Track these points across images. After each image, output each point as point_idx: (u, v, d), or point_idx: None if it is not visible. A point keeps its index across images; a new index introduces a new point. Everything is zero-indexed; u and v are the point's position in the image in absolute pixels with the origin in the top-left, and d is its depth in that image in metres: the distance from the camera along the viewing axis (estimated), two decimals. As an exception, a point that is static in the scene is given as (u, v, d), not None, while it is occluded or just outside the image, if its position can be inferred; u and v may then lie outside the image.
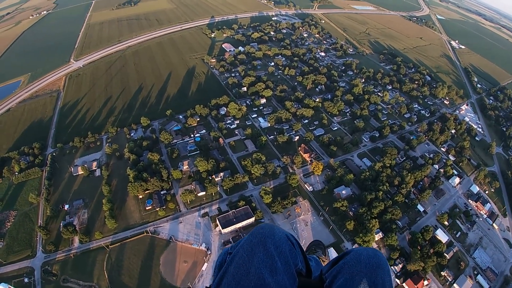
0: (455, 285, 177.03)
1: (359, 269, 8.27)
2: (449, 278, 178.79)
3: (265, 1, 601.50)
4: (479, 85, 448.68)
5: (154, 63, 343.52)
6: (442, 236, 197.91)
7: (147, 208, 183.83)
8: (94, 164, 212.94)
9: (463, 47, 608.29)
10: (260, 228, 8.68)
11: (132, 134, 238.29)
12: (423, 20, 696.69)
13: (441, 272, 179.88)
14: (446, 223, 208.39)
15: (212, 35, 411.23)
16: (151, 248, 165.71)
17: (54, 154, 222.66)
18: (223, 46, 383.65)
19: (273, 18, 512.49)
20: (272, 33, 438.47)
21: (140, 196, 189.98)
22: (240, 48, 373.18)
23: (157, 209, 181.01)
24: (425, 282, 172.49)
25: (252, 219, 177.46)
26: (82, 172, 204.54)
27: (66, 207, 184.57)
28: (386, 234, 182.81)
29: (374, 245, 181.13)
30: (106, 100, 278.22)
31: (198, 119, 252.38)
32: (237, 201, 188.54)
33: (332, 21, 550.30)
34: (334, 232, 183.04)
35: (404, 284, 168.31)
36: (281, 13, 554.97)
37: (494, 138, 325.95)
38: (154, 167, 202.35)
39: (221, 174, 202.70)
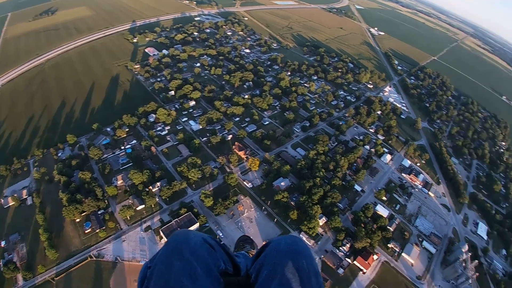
0: (403, 254, 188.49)
1: (280, 258, 8.25)
2: (396, 249, 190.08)
3: (187, 2, 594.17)
4: (400, 67, 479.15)
5: (75, 74, 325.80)
6: (382, 211, 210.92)
7: (86, 231, 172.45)
8: (24, 192, 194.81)
9: (382, 33, 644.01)
10: (175, 236, 8.49)
11: (59, 154, 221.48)
12: (343, 11, 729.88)
13: (388, 245, 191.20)
14: (384, 198, 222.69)
15: (135, 40, 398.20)
16: (98, 273, 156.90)
17: None
18: (146, 50, 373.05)
19: (196, 19, 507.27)
20: (195, 33, 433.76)
21: (78, 220, 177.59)
22: (164, 51, 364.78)
23: (97, 230, 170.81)
24: (375, 257, 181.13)
25: (196, 225, 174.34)
26: (13, 203, 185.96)
27: (3, 243, 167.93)
28: (330, 217, 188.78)
29: (320, 230, 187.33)
30: (28, 120, 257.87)
31: (127, 130, 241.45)
32: (178, 209, 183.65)
33: (255, 18, 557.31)
34: (280, 224, 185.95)
35: (355, 262, 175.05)
36: (204, 12, 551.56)
37: (419, 114, 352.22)
38: (87, 186, 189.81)
39: (158, 184, 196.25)
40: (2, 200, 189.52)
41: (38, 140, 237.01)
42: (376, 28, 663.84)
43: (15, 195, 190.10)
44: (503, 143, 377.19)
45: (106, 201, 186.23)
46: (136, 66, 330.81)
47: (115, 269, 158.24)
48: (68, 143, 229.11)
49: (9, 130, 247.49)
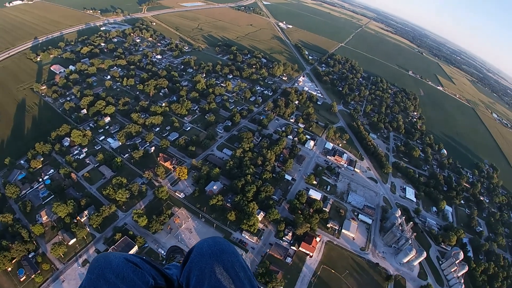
0: (343, 230, 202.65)
1: (205, 261, 8.35)
2: (335, 228, 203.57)
3: (91, 11, 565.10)
4: (310, 57, 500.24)
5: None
6: (315, 194, 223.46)
7: (21, 279, 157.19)
8: None
9: (290, 26, 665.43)
10: (95, 261, 8.12)
11: None
12: (251, 8, 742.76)
13: (327, 225, 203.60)
14: (314, 182, 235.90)
15: (38, 59, 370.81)
16: None
17: None
18: (51, 68, 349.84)
19: (101, 28, 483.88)
20: (102, 44, 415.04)
21: (9, 269, 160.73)
22: (71, 67, 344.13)
23: (32, 276, 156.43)
24: (317, 239, 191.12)
25: (135, 248, 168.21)
26: None
27: None
28: (267, 211, 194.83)
29: (260, 225, 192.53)
30: None
31: (42, 159, 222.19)
32: (112, 235, 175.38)
33: (163, 22, 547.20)
34: (220, 228, 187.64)
35: (301, 248, 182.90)
36: (110, 21, 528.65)
37: (334, 98, 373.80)
38: (10, 230, 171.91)
39: (85, 212, 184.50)
40: None
41: None
42: (284, 22, 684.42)
43: None
44: (415, 113, 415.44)
45: (34, 242, 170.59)
46: (43, 87, 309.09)
47: None
48: None
49: None
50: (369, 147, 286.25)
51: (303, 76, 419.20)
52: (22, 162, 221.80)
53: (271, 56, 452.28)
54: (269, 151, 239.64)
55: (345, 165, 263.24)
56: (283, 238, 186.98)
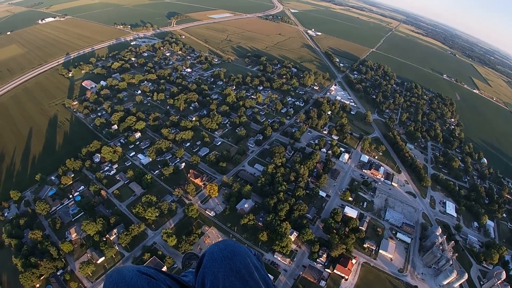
0: (380, 251, 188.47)
1: (217, 266, 8.38)
2: (372, 248, 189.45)
3: (121, 27, 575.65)
4: (341, 64, 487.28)
5: (11, 121, 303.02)
6: (351, 212, 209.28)
7: None
8: None
9: (319, 33, 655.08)
10: (109, 277, 8.14)
11: (5, 214, 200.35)
12: (279, 17, 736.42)
13: (364, 245, 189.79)
14: (350, 198, 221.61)
15: (70, 75, 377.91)
16: None
17: None
18: (83, 84, 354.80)
19: (132, 43, 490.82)
20: (133, 59, 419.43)
21: (37, 285, 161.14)
22: (102, 82, 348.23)
23: None
24: (353, 261, 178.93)
25: (164, 269, 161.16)
26: None
27: None
28: (300, 231, 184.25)
29: (293, 246, 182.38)
30: None
31: (73, 175, 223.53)
32: (141, 255, 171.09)
33: (192, 35, 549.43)
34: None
35: (335, 271, 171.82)
36: (140, 36, 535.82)
37: (368, 107, 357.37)
38: (40, 246, 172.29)
39: (115, 230, 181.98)
40: None
41: None
42: (313, 29, 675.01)
43: None
44: (452, 120, 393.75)
45: (63, 259, 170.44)
46: (74, 103, 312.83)
47: None
48: (12, 200, 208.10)
49: None
50: (406, 159, 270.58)
51: (335, 85, 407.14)
52: (53, 178, 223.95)
53: (302, 65, 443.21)
54: (302, 166, 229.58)
55: (382, 179, 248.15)
56: (317, 260, 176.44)
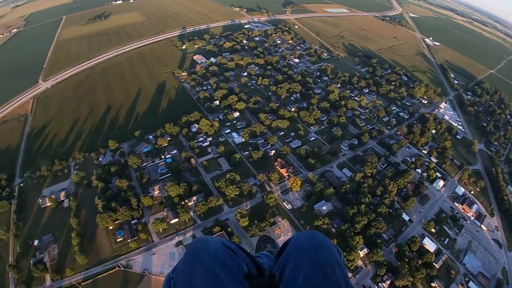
0: None
1: (302, 254, 8.29)
2: None
3: (237, 9, 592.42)
4: (456, 81, 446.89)
5: (123, 80, 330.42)
6: (430, 245, 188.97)
7: (118, 239, 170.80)
8: (62, 194, 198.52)
9: (437, 43, 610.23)
10: (193, 244, 8.41)
11: (100, 159, 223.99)
12: (396, 19, 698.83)
13: (431, 284, 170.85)
14: (433, 230, 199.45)
15: (183, 47, 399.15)
16: (124, 284, 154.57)
17: (21, 184, 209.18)
18: (194, 58, 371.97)
19: (245, 26, 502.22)
20: (244, 41, 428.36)
21: (111, 227, 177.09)
22: (212, 59, 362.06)
23: (128, 240, 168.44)
24: None
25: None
26: (50, 204, 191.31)
27: (36, 242, 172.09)
28: (372, 249, 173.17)
29: (360, 262, 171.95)
30: (74, 123, 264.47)
31: (169, 139, 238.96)
32: (212, 226, 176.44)
33: (305, 26, 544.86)
34: None
35: None
36: (254, 20, 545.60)
37: (476, 134, 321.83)
38: (123, 194, 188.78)
39: (194, 198, 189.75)
40: (40, 200, 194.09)
41: (81, 144, 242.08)
42: (431, 38, 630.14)
43: (53, 196, 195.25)
44: None
45: (140, 211, 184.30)
46: (183, 74, 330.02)
47: (142, 282, 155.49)
48: (109, 148, 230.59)
49: (54, 131, 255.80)
50: (503, 202, 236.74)
51: (445, 103, 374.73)
52: (150, 137, 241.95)
53: (413, 74, 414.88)
54: (392, 182, 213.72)
55: (472, 218, 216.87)
56: (379, 284, 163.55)
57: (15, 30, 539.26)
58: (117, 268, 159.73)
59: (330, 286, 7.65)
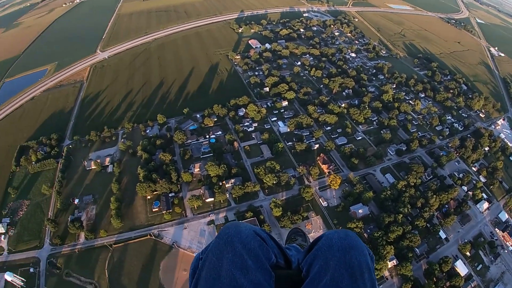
0: None
1: (332, 253, 8.13)
2: None
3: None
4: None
5: (178, 57, 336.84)
6: (461, 268, 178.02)
7: (153, 209, 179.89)
8: (107, 159, 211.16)
9: (502, 54, 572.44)
10: (226, 228, 8.50)
11: (147, 131, 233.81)
12: (462, 23, 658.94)
13: None
14: (468, 253, 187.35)
15: (240, 30, 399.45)
16: (153, 252, 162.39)
17: (70, 146, 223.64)
18: (249, 42, 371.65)
19: (304, 15, 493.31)
20: (301, 30, 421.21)
21: (148, 197, 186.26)
22: (267, 45, 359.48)
23: (163, 212, 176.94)
24: None
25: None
26: (95, 167, 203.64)
27: (76, 201, 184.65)
28: (401, 262, 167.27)
29: (385, 273, 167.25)
30: (126, 94, 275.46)
31: (215, 120, 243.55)
32: (245, 211, 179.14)
33: (366, 20, 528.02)
34: None
35: None
36: (313, 9, 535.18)
37: None
38: (165, 168, 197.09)
39: (232, 180, 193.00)
40: (86, 163, 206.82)
41: (131, 114, 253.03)
42: (496, 48, 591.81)
43: (98, 160, 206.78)
44: None
45: (179, 186, 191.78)
46: (237, 57, 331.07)
47: (169, 253, 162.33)
48: (157, 122, 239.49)
49: (107, 99, 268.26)
50: None
51: (503, 119, 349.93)
52: (198, 116, 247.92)
53: (473, 85, 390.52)
54: (435, 196, 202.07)
55: (511, 248, 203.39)
56: None
57: (78, 0, 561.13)
58: (148, 236, 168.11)
59: None
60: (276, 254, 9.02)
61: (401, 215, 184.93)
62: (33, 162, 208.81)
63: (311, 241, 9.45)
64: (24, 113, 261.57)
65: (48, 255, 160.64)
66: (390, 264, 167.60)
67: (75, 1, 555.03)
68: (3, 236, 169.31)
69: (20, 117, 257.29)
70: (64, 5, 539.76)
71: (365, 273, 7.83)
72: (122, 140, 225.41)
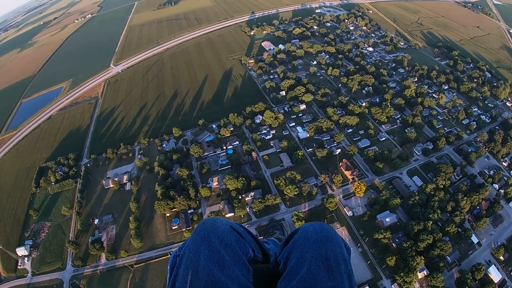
0: None
1: (308, 246, 8.20)
2: None
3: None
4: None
5: (190, 66, 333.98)
6: (495, 274, 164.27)
7: (173, 227, 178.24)
8: (125, 177, 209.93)
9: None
10: (202, 224, 8.45)
11: (164, 146, 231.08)
12: (479, 6, 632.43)
13: None
14: (501, 257, 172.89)
15: (252, 33, 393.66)
16: None
17: (88, 165, 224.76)
18: (262, 44, 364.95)
19: (316, 11, 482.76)
20: (315, 27, 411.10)
21: (167, 214, 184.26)
22: (281, 46, 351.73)
23: (183, 229, 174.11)
24: None
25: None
26: (113, 186, 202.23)
27: (96, 221, 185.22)
28: (432, 272, 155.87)
29: (417, 285, 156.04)
30: (141, 107, 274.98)
31: (232, 129, 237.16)
32: (266, 225, 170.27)
33: (380, 11, 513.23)
34: (373, 267, 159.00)
35: None
36: (325, 4, 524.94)
37: None
38: (182, 183, 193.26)
39: (252, 193, 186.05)
40: (104, 181, 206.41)
41: (147, 128, 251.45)
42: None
43: (116, 178, 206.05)
44: None
45: (197, 201, 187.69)
46: (250, 61, 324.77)
47: None
48: (173, 135, 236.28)
49: (122, 114, 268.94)
50: None
51: None
52: (213, 126, 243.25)
53: (497, 71, 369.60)
54: (465, 197, 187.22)
55: None
56: None
57: (89, 15, 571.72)
58: (169, 255, 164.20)
59: (332, 281, 7.53)
60: (253, 248, 9.04)
61: (431, 222, 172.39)
62: (52, 183, 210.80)
63: (287, 234, 9.25)
64: (42, 133, 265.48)
65: (71, 277, 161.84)
66: (420, 275, 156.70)
67: (86, 16, 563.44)
68: (26, 258, 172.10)
69: (38, 137, 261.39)
70: (76, 21, 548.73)
71: (341, 265, 7.86)
72: (139, 156, 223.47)
